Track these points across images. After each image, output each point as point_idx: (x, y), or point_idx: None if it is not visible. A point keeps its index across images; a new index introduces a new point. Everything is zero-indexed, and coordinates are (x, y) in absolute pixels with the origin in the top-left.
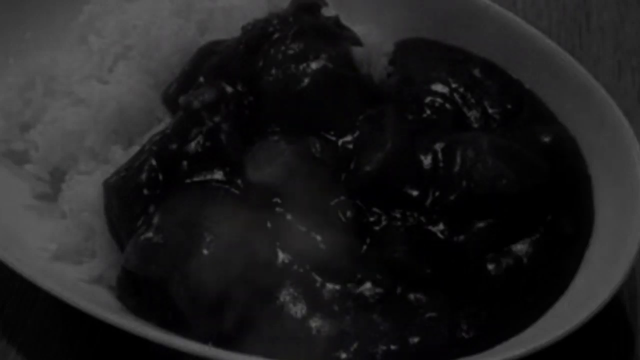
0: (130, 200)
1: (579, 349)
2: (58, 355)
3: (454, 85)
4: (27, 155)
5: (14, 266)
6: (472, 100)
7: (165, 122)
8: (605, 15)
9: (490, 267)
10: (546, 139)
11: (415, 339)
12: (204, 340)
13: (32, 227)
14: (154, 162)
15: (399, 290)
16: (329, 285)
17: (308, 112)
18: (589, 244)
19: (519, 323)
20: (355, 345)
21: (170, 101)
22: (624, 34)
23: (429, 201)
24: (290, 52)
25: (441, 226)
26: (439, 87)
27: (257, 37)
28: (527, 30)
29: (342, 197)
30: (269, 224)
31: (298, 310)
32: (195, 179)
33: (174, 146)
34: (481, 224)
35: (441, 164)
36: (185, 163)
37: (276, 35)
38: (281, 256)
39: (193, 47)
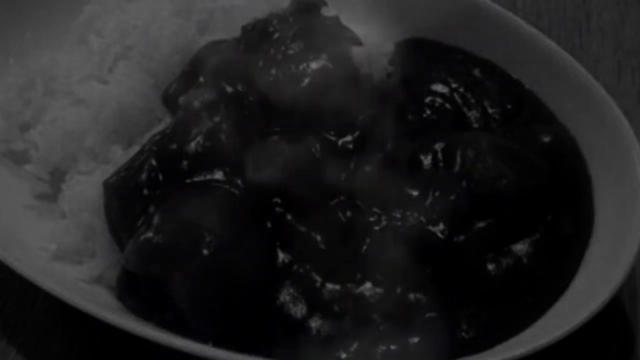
0: (130, 200)
1: (579, 349)
2: (58, 355)
3: (454, 85)
4: (27, 155)
5: (14, 266)
6: (472, 100)
7: (165, 122)
8: (605, 15)
9: (490, 267)
10: (546, 139)
11: (415, 339)
12: (204, 340)
13: (32, 227)
14: (154, 162)
15: (399, 290)
16: (329, 285)
17: (308, 112)
18: (589, 244)
19: (519, 323)
20: (355, 345)
21: (170, 101)
22: (624, 34)
23: (429, 201)
24: (290, 52)
25: (441, 226)
26: (439, 87)
27: (257, 37)
28: (527, 30)
29: (342, 197)
30: (269, 224)
31: (298, 310)
32: (195, 179)
33: (174, 146)
34: (481, 224)
35: (441, 164)
36: (185, 163)
37: (276, 35)
38: (281, 256)
39: (193, 47)
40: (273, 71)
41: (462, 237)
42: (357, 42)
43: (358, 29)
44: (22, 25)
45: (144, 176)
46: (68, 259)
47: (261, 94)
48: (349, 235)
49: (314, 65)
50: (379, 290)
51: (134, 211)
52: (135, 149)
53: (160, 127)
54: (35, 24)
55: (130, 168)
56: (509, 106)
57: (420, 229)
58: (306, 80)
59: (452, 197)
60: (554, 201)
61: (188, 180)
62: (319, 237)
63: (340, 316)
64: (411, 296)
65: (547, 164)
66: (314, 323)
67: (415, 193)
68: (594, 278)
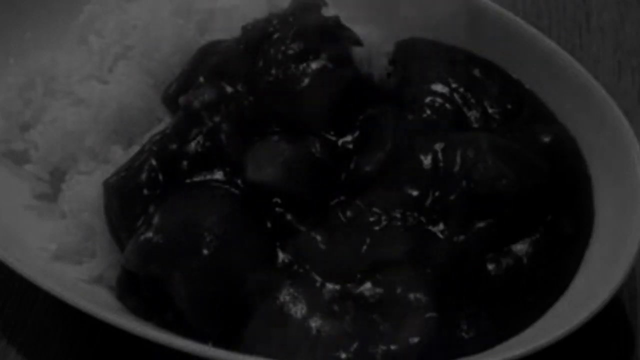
0: (130, 200)
1: (579, 349)
2: (58, 355)
3: (454, 85)
4: (27, 155)
5: (14, 266)
6: (472, 100)
7: (165, 122)
8: (605, 15)
9: (490, 267)
10: (546, 139)
11: (415, 339)
12: (204, 340)
13: (32, 227)
14: (154, 162)
15: (399, 290)
16: (329, 285)
17: (308, 112)
18: (589, 244)
19: (519, 323)
20: (355, 345)
21: (170, 101)
22: (624, 34)
23: (429, 201)
24: (290, 52)
25: (441, 226)
26: (439, 87)
27: (257, 37)
28: (527, 30)
29: (342, 197)
30: (269, 224)
31: (298, 310)
32: (195, 179)
33: (174, 146)
34: (481, 224)
35: (441, 164)
36: (185, 163)
37: (276, 35)
38: (281, 256)
39: (193, 47)
40: (273, 71)
41: (462, 237)
42: (357, 42)
43: (358, 29)
44: (22, 25)
45: (144, 176)
46: (68, 259)
47: (261, 94)
48: (349, 235)
49: (314, 65)
50: (379, 290)
51: (134, 211)
52: (135, 149)
53: (160, 127)
54: (35, 24)
55: (130, 168)
56: (509, 106)
57: (420, 229)
58: (306, 80)
59: (452, 197)
60: (554, 201)
61: (188, 180)
62: (319, 237)
63: (340, 316)
64: (411, 296)
65: (547, 164)
66: (314, 323)
67: (415, 193)
68: (594, 278)
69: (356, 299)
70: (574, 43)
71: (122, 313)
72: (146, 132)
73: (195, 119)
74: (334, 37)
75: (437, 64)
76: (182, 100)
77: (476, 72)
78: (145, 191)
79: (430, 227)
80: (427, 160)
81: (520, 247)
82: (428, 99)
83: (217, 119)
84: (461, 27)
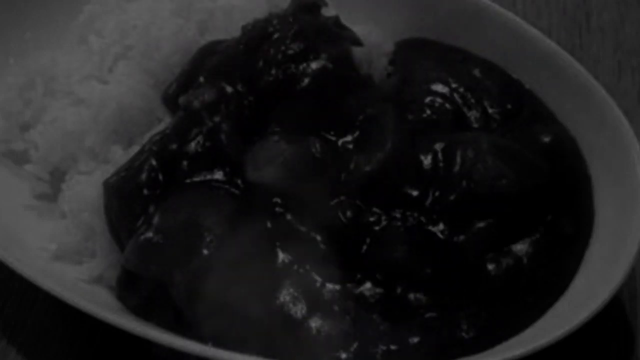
0: (130, 200)
1: (579, 349)
2: (58, 355)
3: (454, 85)
4: (27, 155)
5: (14, 266)
6: (472, 100)
7: (165, 122)
8: (605, 15)
9: (490, 267)
10: (546, 139)
11: (415, 339)
12: (204, 340)
13: (32, 227)
14: (154, 162)
15: (399, 290)
16: (329, 285)
17: (308, 112)
18: (589, 244)
19: (519, 323)
20: (355, 345)
21: (170, 101)
22: (624, 34)
23: (429, 201)
24: (290, 52)
25: (441, 226)
26: (439, 87)
27: (257, 37)
28: (527, 30)
29: (342, 197)
30: (269, 224)
31: (298, 310)
32: (195, 179)
33: (174, 146)
34: (481, 224)
35: (441, 164)
36: (185, 163)
37: (276, 35)
38: (281, 256)
39: (193, 47)
40: (273, 71)
41: (462, 237)
42: (357, 42)
43: (358, 29)
44: (22, 25)
45: (144, 176)
46: (68, 259)
47: (261, 94)
48: (349, 235)
49: (314, 65)
50: (379, 290)
51: (134, 211)
52: (135, 149)
53: (160, 127)
54: (35, 24)
55: (130, 168)
56: (509, 106)
57: (420, 229)
58: (306, 80)
59: (452, 197)
60: (554, 201)
61: (188, 180)
62: (319, 237)
63: (340, 316)
64: (411, 296)
65: (547, 164)
66: (314, 323)
67: (415, 193)
68: (594, 278)
69: (356, 299)
70: (574, 43)
71: (122, 313)
72: (146, 132)
73: (195, 119)
74: (334, 37)
75: (437, 64)
76: (182, 100)
77: (476, 72)
78: (145, 191)
79: (430, 227)
80: (427, 160)
81: (520, 247)
82: (428, 99)
83: (217, 119)
84: (461, 27)
